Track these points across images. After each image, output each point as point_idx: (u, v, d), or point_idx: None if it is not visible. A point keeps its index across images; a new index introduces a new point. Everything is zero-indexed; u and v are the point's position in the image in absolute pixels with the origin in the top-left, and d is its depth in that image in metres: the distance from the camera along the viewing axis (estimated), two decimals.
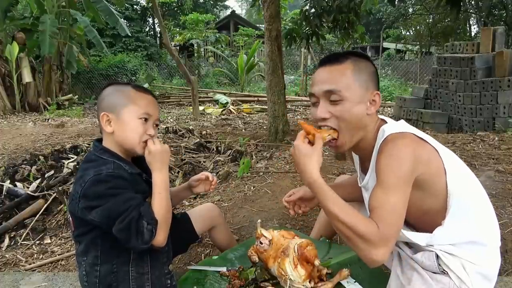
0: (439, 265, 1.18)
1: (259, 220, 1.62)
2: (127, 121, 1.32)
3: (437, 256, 1.18)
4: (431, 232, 1.19)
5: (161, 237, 1.26)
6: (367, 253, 1.06)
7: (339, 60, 1.20)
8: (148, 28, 21.43)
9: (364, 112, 1.20)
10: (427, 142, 1.18)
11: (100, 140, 1.39)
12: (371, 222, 1.07)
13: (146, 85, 11.33)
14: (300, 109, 8.76)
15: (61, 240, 2.63)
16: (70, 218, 1.37)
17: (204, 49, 17.15)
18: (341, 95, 1.17)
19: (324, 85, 1.19)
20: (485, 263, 1.20)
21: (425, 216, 1.21)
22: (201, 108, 8.61)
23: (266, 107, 5.16)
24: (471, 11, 13.33)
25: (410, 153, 1.11)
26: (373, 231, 1.05)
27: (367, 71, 1.22)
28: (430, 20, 15.08)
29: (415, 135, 1.17)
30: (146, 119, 1.33)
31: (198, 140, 4.27)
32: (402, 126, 1.21)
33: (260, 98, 9.70)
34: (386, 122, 1.27)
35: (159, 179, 1.31)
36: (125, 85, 1.38)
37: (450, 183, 1.17)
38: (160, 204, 1.28)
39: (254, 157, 3.94)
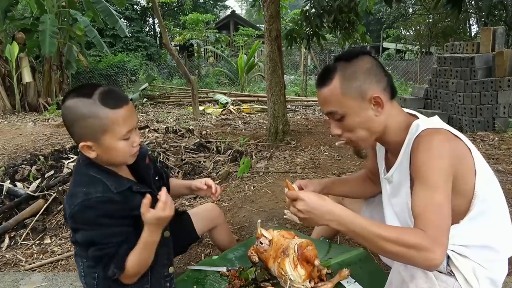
0: (448, 265, 1.17)
1: (259, 220, 1.62)
2: (111, 146, 1.21)
3: (448, 257, 1.16)
4: None
5: (127, 281, 1.25)
6: (426, 261, 1.02)
7: (327, 79, 1.20)
8: (148, 28, 21.43)
9: (372, 116, 1.20)
10: (461, 140, 1.17)
11: None
12: (416, 229, 1.05)
13: (145, 85, 11.32)
14: (300, 109, 8.76)
15: (61, 240, 2.63)
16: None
17: (204, 49, 17.14)
18: (339, 113, 1.20)
19: (324, 108, 1.25)
20: (495, 268, 1.19)
21: None
22: (201, 108, 8.60)
23: (266, 107, 5.15)
24: (471, 11, 13.32)
25: (447, 149, 1.10)
26: (422, 237, 1.01)
27: (359, 74, 1.18)
28: (430, 20, 15.08)
29: (449, 131, 1.16)
30: (128, 137, 1.24)
31: (198, 140, 4.27)
32: (437, 122, 1.20)
33: (260, 98, 9.69)
34: (418, 118, 1.25)
35: (149, 238, 1.23)
36: (91, 99, 1.17)
37: (478, 185, 1.15)
38: (138, 258, 1.22)
39: (254, 157, 3.94)
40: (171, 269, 1.42)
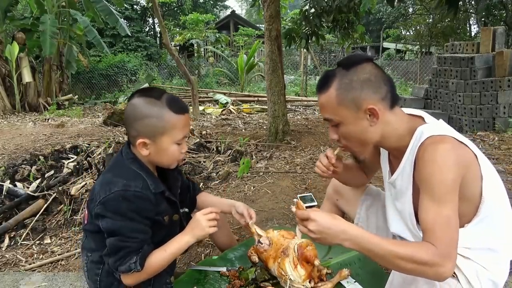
0: None
1: (251, 221, 1.61)
2: (165, 147, 1.28)
3: None
4: None
5: (131, 281, 1.27)
6: (437, 275, 1.05)
7: (325, 87, 1.21)
8: (148, 28, 21.42)
9: (367, 127, 1.19)
10: (467, 146, 1.15)
11: (129, 145, 1.35)
12: (427, 244, 1.05)
13: (145, 85, 11.32)
14: (300, 109, 8.76)
15: (61, 240, 2.63)
16: (86, 211, 1.38)
17: (204, 49, 17.14)
18: (335, 120, 1.21)
19: (321, 113, 1.27)
20: (497, 271, 1.19)
21: None
22: (201, 108, 8.59)
23: (266, 107, 5.15)
24: (471, 11, 13.32)
25: (454, 159, 1.08)
26: (433, 254, 1.03)
27: (356, 84, 1.16)
28: (430, 20, 15.08)
29: (455, 138, 1.13)
30: (181, 143, 1.32)
31: (198, 140, 4.27)
32: (442, 127, 1.17)
33: (260, 98, 9.69)
34: (424, 120, 1.23)
35: (181, 242, 1.32)
36: (159, 101, 1.26)
37: (485, 190, 1.15)
38: (158, 260, 1.28)
39: (254, 157, 3.93)
40: (172, 278, 1.45)
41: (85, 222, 1.37)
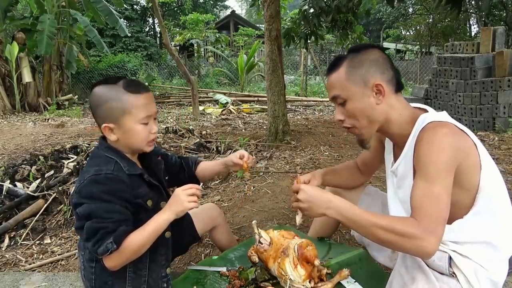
0: (450, 267, 1.17)
1: (254, 221, 1.61)
2: (129, 129, 1.29)
3: (450, 258, 1.17)
4: (449, 224, 1.17)
5: (112, 263, 1.24)
6: (418, 250, 1.05)
7: (336, 66, 1.27)
8: (148, 28, 21.43)
9: (373, 104, 1.23)
10: (467, 134, 1.18)
11: (105, 137, 1.37)
12: (409, 218, 1.08)
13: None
14: (300, 109, 8.76)
15: (61, 240, 2.63)
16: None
17: (204, 49, 17.13)
18: (342, 97, 1.25)
19: (330, 93, 1.31)
20: (496, 269, 1.19)
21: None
22: (201, 108, 8.59)
23: (266, 107, 5.15)
24: (471, 11, 13.32)
25: (451, 142, 1.11)
26: (414, 226, 1.05)
27: (366, 63, 1.22)
28: (430, 20, 15.08)
29: (455, 125, 1.17)
30: (147, 122, 1.32)
31: (198, 140, 4.27)
32: (444, 116, 1.21)
33: (260, 98, 9.69)
34: (427, 111, 1.27)
35: (160, 219, 1.28)
36: (116, 85, 1.29)
37: (483, 180, 1.16)
38: (137, 239, 1.24)
39: (254, 157, 3.94)
40: (168, 270, 1.43)
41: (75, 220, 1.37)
